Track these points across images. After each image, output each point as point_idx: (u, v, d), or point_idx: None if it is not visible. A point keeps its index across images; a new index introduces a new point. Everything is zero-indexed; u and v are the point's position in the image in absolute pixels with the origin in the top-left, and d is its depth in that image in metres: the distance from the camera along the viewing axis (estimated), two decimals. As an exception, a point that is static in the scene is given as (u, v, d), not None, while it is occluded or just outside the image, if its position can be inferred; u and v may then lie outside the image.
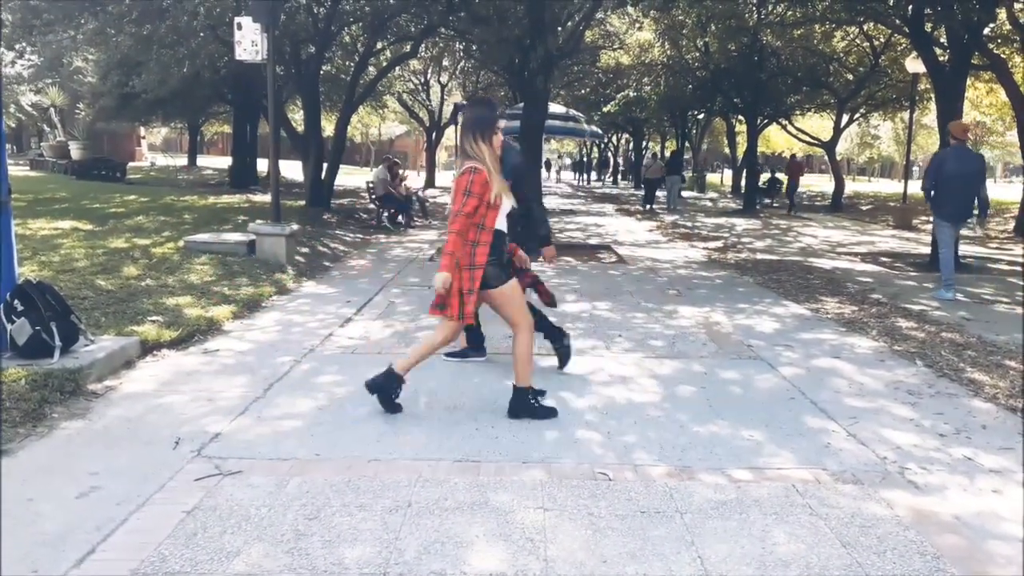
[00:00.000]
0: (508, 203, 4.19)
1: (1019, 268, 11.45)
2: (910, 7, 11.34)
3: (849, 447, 3.89)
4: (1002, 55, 16.48)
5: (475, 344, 5.39)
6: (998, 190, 41.14)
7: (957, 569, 2.74)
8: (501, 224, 4.15)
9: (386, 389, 4.21)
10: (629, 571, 2.69)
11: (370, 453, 3.71)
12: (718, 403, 4.53)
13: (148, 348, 5.38)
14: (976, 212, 8.32)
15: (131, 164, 31.58)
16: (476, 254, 4.04)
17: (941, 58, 11.80)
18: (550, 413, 4.24)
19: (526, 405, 4.22)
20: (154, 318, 6.02)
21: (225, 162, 33.97)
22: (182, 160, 42.12)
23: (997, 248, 14.54)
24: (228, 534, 2.90)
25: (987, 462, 3.74)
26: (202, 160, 45.40)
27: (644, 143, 42.39)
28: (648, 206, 22.85)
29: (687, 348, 5.90)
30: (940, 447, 3.92)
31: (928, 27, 11.99)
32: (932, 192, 8.36)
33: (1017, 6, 15.29)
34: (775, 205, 25.45)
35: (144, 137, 46.28)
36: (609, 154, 52.82)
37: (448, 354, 5.22)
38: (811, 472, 3.56)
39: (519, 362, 4.23)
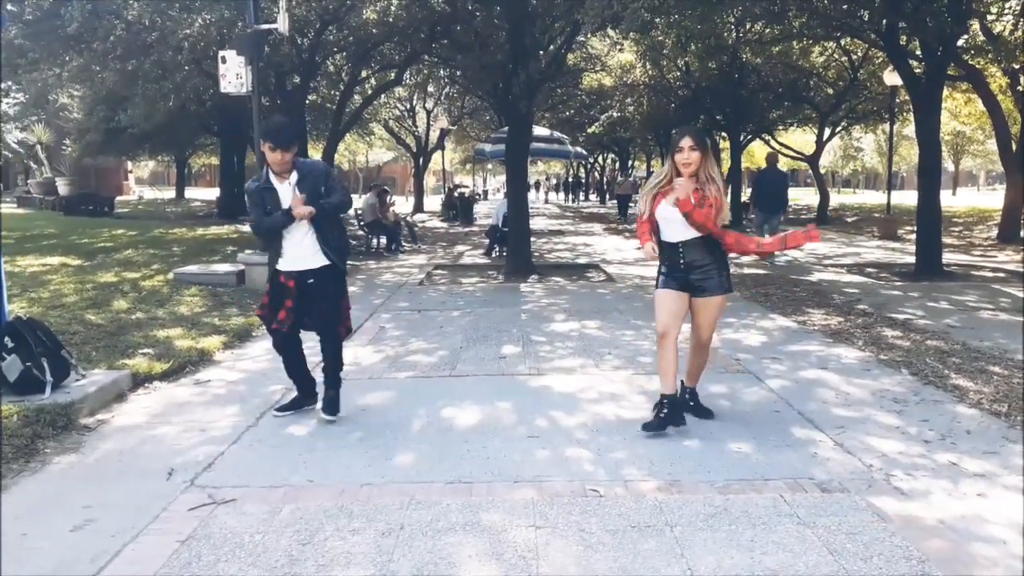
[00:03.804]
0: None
1: (1002, 275, 11.59)
2: (884, 21, 11.54)
3: (836, 456, 3.94)
4: (977, 65, 16.75)
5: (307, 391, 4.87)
6: (981, 198, 41.60)
7: (942, 572, 2.79)
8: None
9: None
10: (620, 585, 2.73)
11: (362, 477, 3.74)
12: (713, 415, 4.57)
13: (139, 381, 5.41)
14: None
15: (119, 198, 31.61)
16: None
17: (917, 70, 12.01)
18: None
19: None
20: (145, 351, 6.04)
21: (213, 193, 34.08)
22: (170, 193, 42.19)
23: (981, 255, 14.70)
24: (223, 562, 2.92)
25: (971, 467, 3.79)
26: (190, 192, 45.49)
27: (629, 162, 42.69)
28: (620, 216, 25.67)
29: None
30: (925, 453, 3.98)
31: (903, 40, 12.20)
32: (756, 197, 13.70)
33: (989, 17, 15.59)
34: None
35: (131, 171, 46.41)
36: (595, 174, 53.20)
37: (280, 409, 4.81)
38: (798, 482, 3.61)
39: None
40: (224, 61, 9.51)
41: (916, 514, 3.26)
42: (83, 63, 14.15)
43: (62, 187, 27.48)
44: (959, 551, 2.95)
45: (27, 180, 31.94)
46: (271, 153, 4.36)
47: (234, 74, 9.46)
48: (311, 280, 4.49)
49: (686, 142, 4.19)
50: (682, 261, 4.30)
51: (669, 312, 4.35)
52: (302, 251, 4.47)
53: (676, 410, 4.36)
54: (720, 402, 4.92)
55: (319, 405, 4.69)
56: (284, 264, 4.50)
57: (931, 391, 5.12)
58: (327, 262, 4.50)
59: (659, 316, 4.37)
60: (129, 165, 43.68)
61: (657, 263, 4.49)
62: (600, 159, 50.61)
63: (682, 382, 4.68)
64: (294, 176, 4.46)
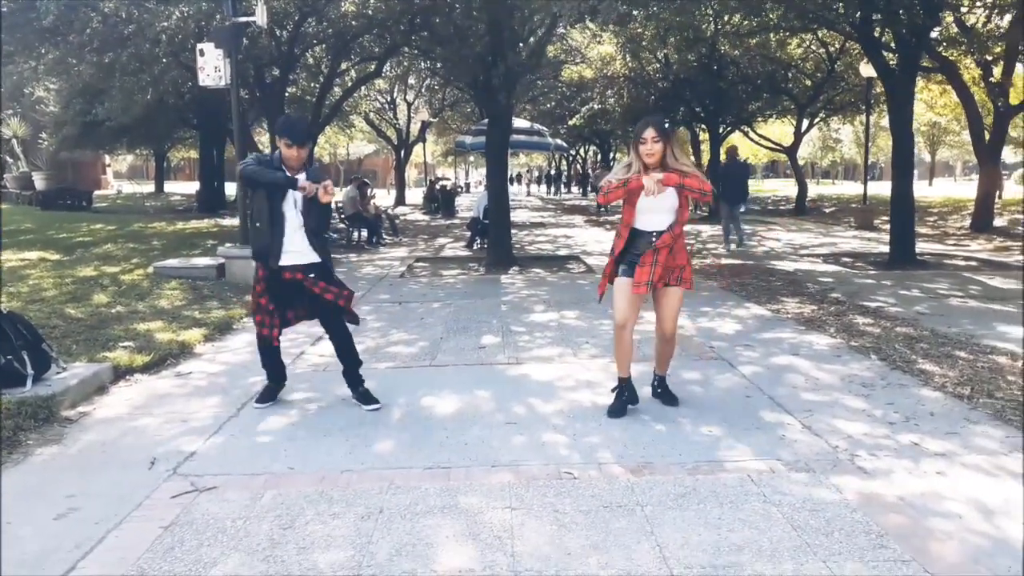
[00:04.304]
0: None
1: (974, 263, 11.81)
2: (858, 14, 11.69)
3: (803, 438, 4.07)
4: (951, 57, 16.98)
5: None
6: (957, 188, 42.11)
7: (899, 545, 2.91)
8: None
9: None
10: (592, 561, 2.83)
11: (342, 464, 3.82)
12: (680, 402, 4.69)
13: (120, 373, 5.44)
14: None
15: (97, 192, 31.35)
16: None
17: (892, 62, 12.17)
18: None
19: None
20: (125, 344, 6.07)
21: (193, 187, 33.85)
22: (149, 187, 41.86)
23: (954, 244, 14.95)
24: (205, 546, 3.00)
25: (933, 447, 3.93)
26: (169, 186, 45.14)
27: (611, 154, 42.82)
28: (601, 209, 24.82)
29: (652, 352, 6.04)
30: (889, 434, 4.11)
31: (877, 32, 12.36)
32: (720, 187, 13.16)
33: (962, 9, 15.79)
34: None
35: (110, 165, 45.95)
36: (577, 167, 53.32)
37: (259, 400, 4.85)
38: (766, 463, 3.73)
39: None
40: (202, 54, 9.48)
41: (877, 492, 3.39)
42: (59, 56, 14.05)
43: (39, 181, 27.18)
44: (916, 526, 3.08)
45: (3, 175, 31.57)
46: (287, 149, 4.49)
47: (212, 67, 9.44)
48: (312, 274, 4.63)
49: (649, 133, 4.24)
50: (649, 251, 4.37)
51: (629, 304, 4.45)
52: (296, 246, 4.59)
53: (633, 391, 4.57)
54: (693, 388, 5.04)
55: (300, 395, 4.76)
56: (287, 259, 4.60)
57: (898, 375, 5.26)
58: (318, 260, 4.64)
59: (618, 307, 4.48)
60: (107, 159, 43.27)
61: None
62: (582, 151, 50.71)
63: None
64: (303, 176, 4.57)
